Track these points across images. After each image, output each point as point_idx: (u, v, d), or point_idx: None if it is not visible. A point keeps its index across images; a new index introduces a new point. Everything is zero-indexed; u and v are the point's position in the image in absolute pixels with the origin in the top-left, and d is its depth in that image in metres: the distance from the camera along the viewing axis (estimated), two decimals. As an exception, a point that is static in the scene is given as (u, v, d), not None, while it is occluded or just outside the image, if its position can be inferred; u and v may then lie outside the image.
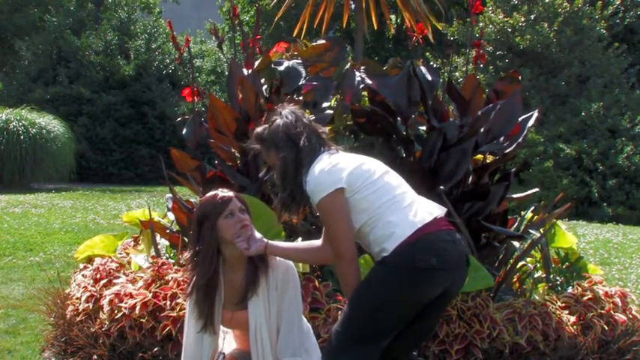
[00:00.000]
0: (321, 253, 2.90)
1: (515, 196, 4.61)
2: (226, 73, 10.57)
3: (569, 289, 4.15)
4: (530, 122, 4.37)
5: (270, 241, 2.94)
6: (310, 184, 2.70)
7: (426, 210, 2.70)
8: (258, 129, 2.88)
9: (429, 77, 4.39)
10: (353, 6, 5.61)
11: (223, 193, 2.96)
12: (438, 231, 2.64)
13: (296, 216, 2.89)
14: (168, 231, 4.51)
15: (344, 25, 5.78)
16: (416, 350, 2.98)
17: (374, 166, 2.77)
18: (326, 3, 5.42)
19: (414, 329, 2.79)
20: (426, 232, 2.61)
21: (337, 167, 2.70)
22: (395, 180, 2.77)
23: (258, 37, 4.84)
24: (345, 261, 2.69)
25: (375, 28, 5.55)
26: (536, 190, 5.03)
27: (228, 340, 3.22)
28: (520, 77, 4.66)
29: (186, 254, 3.01)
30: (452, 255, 2.64)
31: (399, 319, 2.68)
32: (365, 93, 4.63)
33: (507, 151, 4.27)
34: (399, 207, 2.67)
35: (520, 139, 4.29)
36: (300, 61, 4.74)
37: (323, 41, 4.89)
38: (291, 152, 2.76)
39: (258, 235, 2.94)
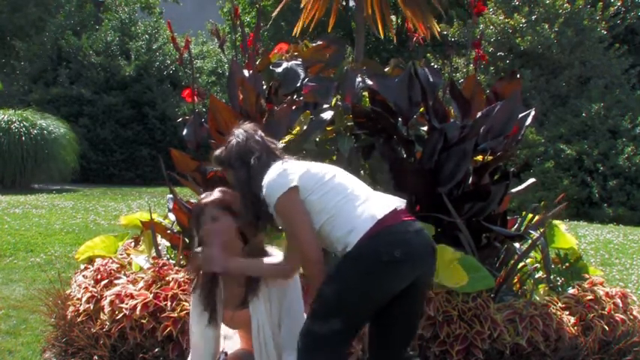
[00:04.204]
0: (280, 268, 2.94)
1: (513, 190, 4.60)
2: (227, 73, 10.56)
3: (570, 290, 4.14)
4: (528, 121, 4.36)
5: (232, 261, 2.94)
6: (265, 189, 2.77)
7: (384, 203, 2.72)
8: (217, 151, 2.98)
9: (431, 78, 4.39)
10: (354, 6, 5.60)
11: (204, 199, 3.04)
12: (399, 222, 2.66)
13: (259, 229, 2.94)
14: (169, 232, 4.51)
15: (329, 30, 5.77)
16: (409, 348, 2.94)
17: (324, 169, 2.83)
18: (316, 4, 5.41)
19: (397, 326, 2.79)
20: (387, 225, 2.62)
21: (288, 170, 2.77)
22: (347, 179, 2.82)
23: (252, 35, 4.84)
24: (311, 263, 2.71)
25: (381, 34, 5.54)
26: (534, 180, 5.00)
27: (233, 342, 3.23)
28: (520, 77, 4.65)
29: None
30: (416, 246, 2.65)
31: (365, 312, 2.69)
32: (365, 93, 4.63)
33: (506, 148, 4.27)
34: (356, 203, 2.70)
35: (519, 137, 4.30)
36: (299, 62, 4.74)
37: (322, 42, 4.89)
38: (243, 171, 2.85)
39: (218, 253, 2.94)
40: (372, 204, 2.70)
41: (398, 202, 2.76)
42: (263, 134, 2.98)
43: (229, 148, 2.92)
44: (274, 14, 6.15)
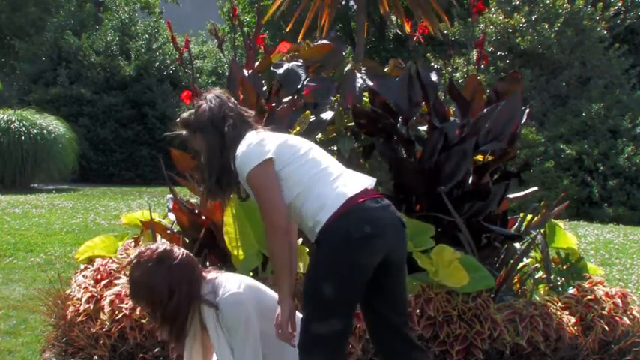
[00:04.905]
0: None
1: (514, 195, 4.61)
2: (227, 73, 10.56)
3: (570, 290, 4.14)
4: (523, 119, 4.36)
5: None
6: (239, 159, 2.73)
7: (355, 181, 2.72)
8: (184, 114, 2.90)
9: (432, 78, 4.39)
10: (354, 6, 5.60)
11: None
12: (367, 200, 2.66)
13: (221, 202, 2.90)
14: (168, 232, 4.50)
15: (324, 32, 5.77)
16: (405, 334, 2.93)
17: (300, 142, 2.81)
18: (328, 7, 5.41)
19: (385, 313, 2.81)
20: (357, 203, 2.63)
21: (264, 141, 2.74)
22: (321, 155, 2.81)
23: (260, 38, 4.83)
24: (280, 232, 2.66)
25: (408, 30, 5.53)
26: (535, 188, 5.03)
27: None
28: (520, 77, 4.65)
29: None
30: (384, 220, 2.66)
31: (353, 295, 2.67)
32: (365, 93, 4.63)
33: (505, 149, 4.27)
34: (329, 179, 2.70)
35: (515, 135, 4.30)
36: (300, 63, 4.74)
37: (324, 41, 4.89)
38: (216, 138, 2.78)
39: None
40: (344, 181, 2.70)
41: (369, 181, 2.76)
42: (235, 101, 2.91)
43: (200, 111, 2.83)
44: (270, 15, 6.13)
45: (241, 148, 2.74)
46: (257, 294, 2.98)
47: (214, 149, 2.79)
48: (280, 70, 4.69)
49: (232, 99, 2.91)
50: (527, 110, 4.40)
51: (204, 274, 3.00)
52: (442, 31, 5.45)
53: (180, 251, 2.97)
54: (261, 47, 4.86)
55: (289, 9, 5.92)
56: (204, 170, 2.85)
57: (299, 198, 2.69)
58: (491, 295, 3.92)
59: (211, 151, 2.80)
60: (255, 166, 2.68)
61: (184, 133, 2.92)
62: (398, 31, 5.55)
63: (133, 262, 2.96)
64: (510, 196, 4.53)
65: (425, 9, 5.26)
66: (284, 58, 4.84)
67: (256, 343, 2.88)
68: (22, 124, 14.09)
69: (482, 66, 4.83)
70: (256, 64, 4.74)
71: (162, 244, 3.10)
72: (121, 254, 4.64)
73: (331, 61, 4.83)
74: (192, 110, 2.87)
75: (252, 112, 2.95)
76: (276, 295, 2.88)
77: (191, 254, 3.03)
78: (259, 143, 2.73)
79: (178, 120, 2.92)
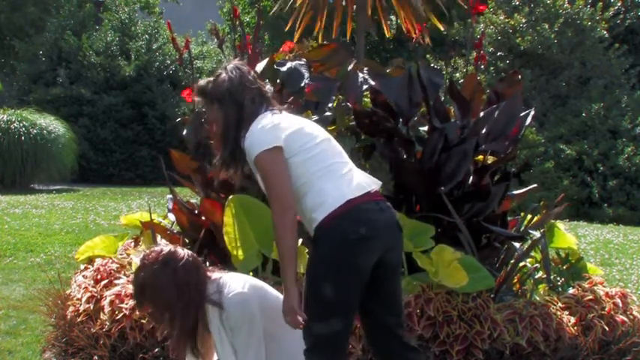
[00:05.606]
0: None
1: (514, 192, 4.61)
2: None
3: (570, 290, 4.14)
4: (528, 121, 4.37)
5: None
6: (248, 139, 2.68)
7: (360, 182, 2.70)
8: (202, 82, 2.84)
9: (433, 78, 4.39)
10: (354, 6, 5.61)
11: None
12: (367, 201, 2.65)
13: (235, 175, 2.88)
14: (168, 232, 4.50)
15: (348, 36, 5.76)
16: (400, 335, 2.93)
17: (316, 131, 2.77)
18: (342, 8, 5.42)
19: (380, 315, 2.81)
20: (356, 204, 2.62)
21: (278, 126, 2.69)
22: (334, 148, 2.78)
23: (248, 37, 4.83)
24: (289, 213, 2.62)
25: (387, 34, 5.53)
26: (535, 185, 5.03)
27: None
28: (520, 77, 4.65)
29: None
30: (379, 221, 2.65)
31: (352, 295, 2.66)
32: (366, 93, 4.63)
33: (507, 151, 4.27)
34: (335, 176, 2.67)
35: (518, 137, 4.30)
36: (303, 62, 4.73)
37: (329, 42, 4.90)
38: (234, 110, 2.72)
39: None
40: (348, 181, 2.68)
41: (373, 185, 2.74)
42: (255, 74, 2.85)
43: (219, 81, 2.76)
44: (272, 12, 6.15)
45: (252, 130, 2.69)
46: (261, 293, 2.98)
47: (231, 121, 2.72)
48: (283, 69, 4.68)
49: (252, 72, 2.84)
50: (532, 113, 4.41)
51: (208, 274, 3.00)
52: (442, 31, 5.45)
53: (184, 252, 2.96)
54: (255, 49, 4.84)
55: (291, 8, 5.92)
56: (219, 141, 2.79)
57: (303, 188, 2.67)
58: (492, 296, 3.92)
59: (227, 122, 2.73)
60: (263, 150, 2.64)
61: (200, 100, 2.86)
62: (375, 33, 5.54)
63: (138, 265, 2.96)
64: (510, 193, 4.53)
65: (408, 8, 5.26)
66: (287, 57, 4.83)
67: (260, 343, 2.88)
68: (21, 124, 14.08)
69: (482, 66, 4.84)
70: (258, 63, 4.73)
71: (165, 245, 3.09)
72: (121, 254, 4.64)
73: (335, 61, 4.82)
74: (210, 79, 2.81)
75: (272, 88, 2.90)
76: (280, 295, 2.87)
77: (195, 255, 3.03)
78: (272, 128, 2.68)
79: (196, 88, 2.84)
